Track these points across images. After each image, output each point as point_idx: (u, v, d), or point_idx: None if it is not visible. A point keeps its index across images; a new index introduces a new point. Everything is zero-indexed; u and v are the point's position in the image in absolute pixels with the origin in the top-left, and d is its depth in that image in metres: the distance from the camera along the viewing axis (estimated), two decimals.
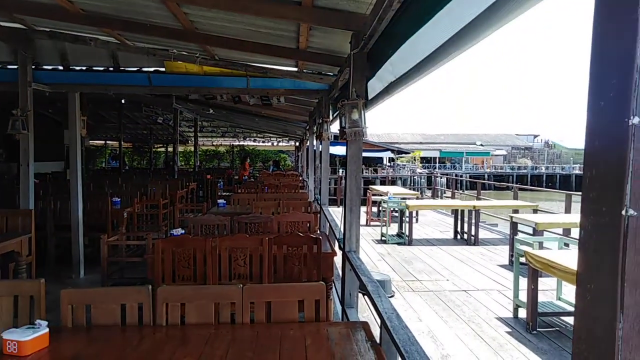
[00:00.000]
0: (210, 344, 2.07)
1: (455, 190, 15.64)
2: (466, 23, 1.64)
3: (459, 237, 9.22)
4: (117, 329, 2.25)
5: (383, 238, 9.06)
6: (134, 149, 29.19)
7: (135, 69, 6.48)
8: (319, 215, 6.52)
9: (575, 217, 7.21)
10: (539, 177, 48.62)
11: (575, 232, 7.20)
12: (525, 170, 50.29)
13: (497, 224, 10.99)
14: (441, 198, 16.35)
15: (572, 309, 4.48)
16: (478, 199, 11.51)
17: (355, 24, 3.38)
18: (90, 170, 17.69)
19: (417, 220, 11.13)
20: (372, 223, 11.06)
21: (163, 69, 6.52)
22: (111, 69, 6.39)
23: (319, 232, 5.59)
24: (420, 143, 55.11)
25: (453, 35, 1.74)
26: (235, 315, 2.35)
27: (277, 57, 5.66)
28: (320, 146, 7.61)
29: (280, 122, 13.69)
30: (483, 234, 9.43)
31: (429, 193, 18.88)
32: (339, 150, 33.94)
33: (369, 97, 3.56)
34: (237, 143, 29.36)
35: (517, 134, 62.94)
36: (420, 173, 31.81)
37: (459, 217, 9.20)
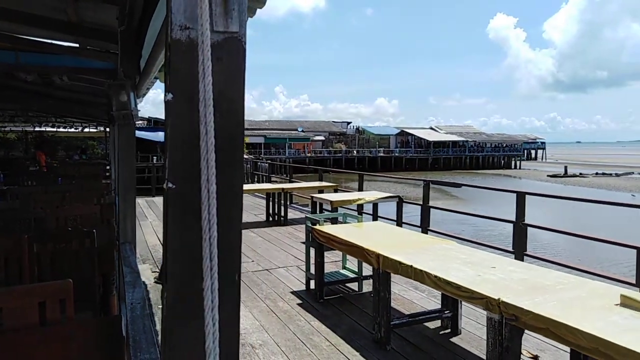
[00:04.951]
0: None
1: (273, 175, 16.18)
2: None
3: (270, 218, 9.55)
4: None
5: None
6: None
7: None
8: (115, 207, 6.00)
9: (364, 194, 8.11)
10: (352, 159, 53.71)
11: (367, 208, 8.11)
12: (341, 154, 55.00)
13: (307, 204, 11.71)
14: (265, 182, 16.73)
15: (354, 275, 5.02)
16: (290, 181, 12.11)
17: None
18: None
19: None
20: None
21: None
22: None
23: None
24: (246, 129, 55.55)
25: None
26: None
27: (50, 31, 4.95)
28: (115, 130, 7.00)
29: (77, 104, 12.21)
30: (294, 214, 9.97)
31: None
32: (159, 136, 32.02)
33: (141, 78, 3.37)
34: (32, 129, 25.29)
35: (333, 121, 68.29)
36: (246, 159, 32.08)
37: (271, 199, 9.54)
